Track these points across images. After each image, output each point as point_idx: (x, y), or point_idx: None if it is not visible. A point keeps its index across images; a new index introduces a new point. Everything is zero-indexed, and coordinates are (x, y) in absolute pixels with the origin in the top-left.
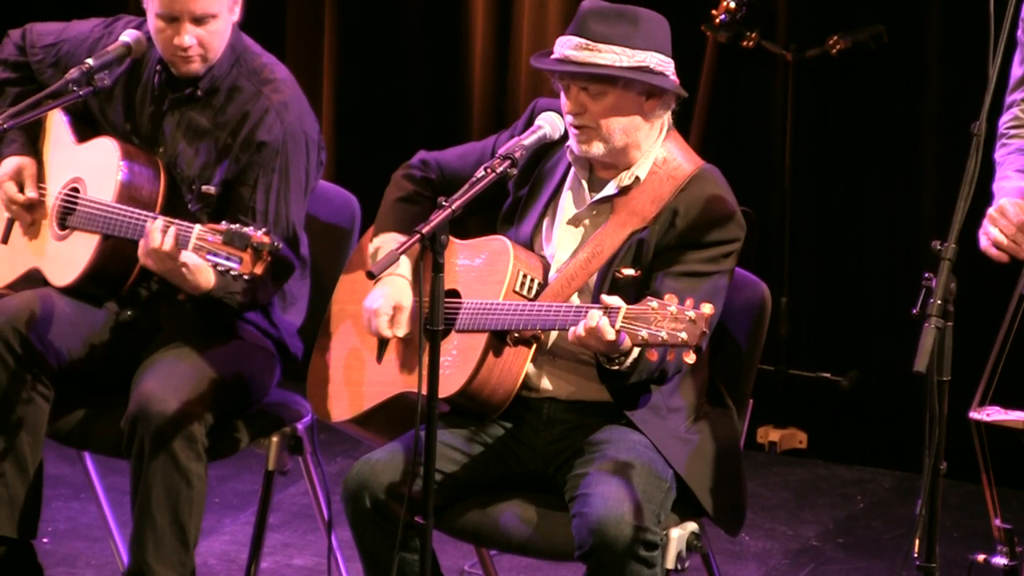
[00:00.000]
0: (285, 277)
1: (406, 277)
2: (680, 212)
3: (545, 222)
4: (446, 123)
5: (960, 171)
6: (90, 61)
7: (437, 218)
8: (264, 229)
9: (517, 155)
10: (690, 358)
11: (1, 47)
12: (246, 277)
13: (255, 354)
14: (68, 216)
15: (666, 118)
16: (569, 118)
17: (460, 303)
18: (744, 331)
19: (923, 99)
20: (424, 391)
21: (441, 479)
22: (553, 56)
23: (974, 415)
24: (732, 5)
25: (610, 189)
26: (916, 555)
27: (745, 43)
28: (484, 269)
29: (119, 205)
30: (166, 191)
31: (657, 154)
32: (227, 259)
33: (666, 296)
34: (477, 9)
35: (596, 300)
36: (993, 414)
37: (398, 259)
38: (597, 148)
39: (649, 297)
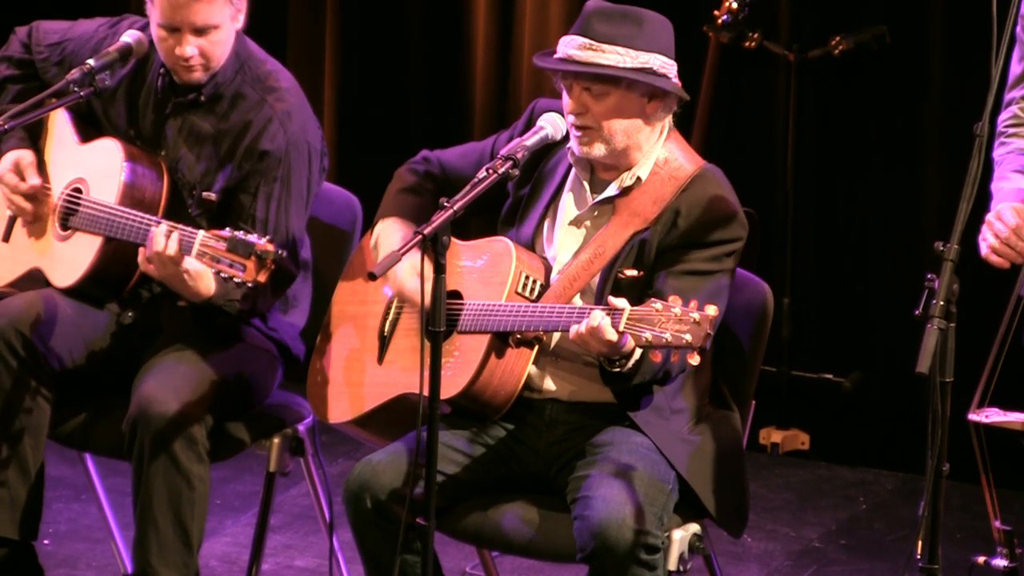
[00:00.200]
0: (285, 286)
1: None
2: (682, 212)
3: (546, 223)
4: (447, 124)
5: (962, 172)
6: (91, 61)
7: (439, 219)
8: (267, 237)
9: (519, 156)
10: (694, 360)
11: (7, 44)
12: (249, 284)
13: (257, 356)
14: (70, 216)
15: (667, 120)
16: (571, 118)
17: (462, 304)
18: (746, 332)
19: (925, 100)
20: (426, 392)
21: (443, 480)
22: (556, 55)
23: (973, 417)
24: (734, 6)
25: (611, 190)
26: (919, 556)
27: (747, 44)
28: (486, 270)
29: (122, 208)
30: (169, 193)
31: (658, 155)
32: (231, 266)
33: (670, 297)
34: (478, 10)
35: (599, 301)
36: (992, 415)
37: (399, 259)
38: (598, 149)
39: (653, 299)
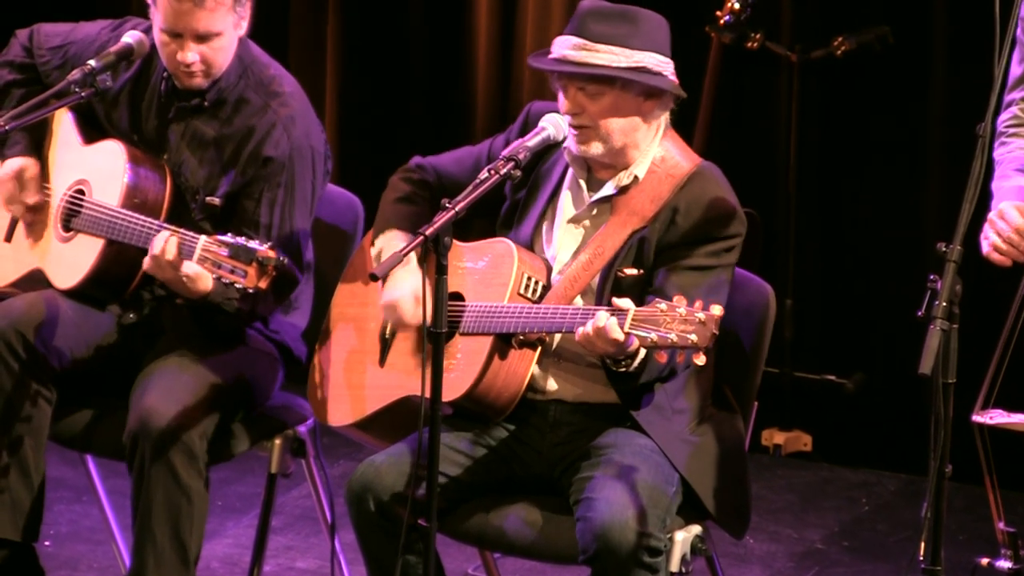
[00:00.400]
0: (288, 292)
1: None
2: (681, 210)
3: (544, 224)
4: (448, 125)
5: (965, 173)
6: (92, 62)
7: (440, 220)
8: (269, 243)
9: (521, 156)
10: (700, 359)
11: (8, 48)
12: (250, 291)
13: (258, 357)
14: (73, 218)
15: (664, 118)
16: (567, 118)
17: (464, 306)
18: (749, 333)
19: (928, 100)
20: (427, 394)
21: (445, 482)
22: (551, 56)
23: (977, 418)
24: (736, 6)
25: (609, 189)
26: (921, 558)
27: (749, 44)
28: (488, 272)
29: (125, 211)
30: (172, 196)
31: (655, 153)
32: (232, 271)
33: (675, 297)
34: (480, 11)
35: (600, 301)
36: (996, 417)
37: (401, 260)
38: (596, 148)
39: (657, 299)
